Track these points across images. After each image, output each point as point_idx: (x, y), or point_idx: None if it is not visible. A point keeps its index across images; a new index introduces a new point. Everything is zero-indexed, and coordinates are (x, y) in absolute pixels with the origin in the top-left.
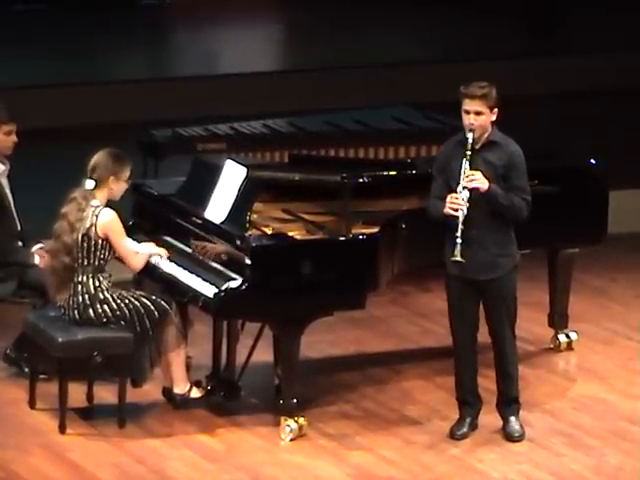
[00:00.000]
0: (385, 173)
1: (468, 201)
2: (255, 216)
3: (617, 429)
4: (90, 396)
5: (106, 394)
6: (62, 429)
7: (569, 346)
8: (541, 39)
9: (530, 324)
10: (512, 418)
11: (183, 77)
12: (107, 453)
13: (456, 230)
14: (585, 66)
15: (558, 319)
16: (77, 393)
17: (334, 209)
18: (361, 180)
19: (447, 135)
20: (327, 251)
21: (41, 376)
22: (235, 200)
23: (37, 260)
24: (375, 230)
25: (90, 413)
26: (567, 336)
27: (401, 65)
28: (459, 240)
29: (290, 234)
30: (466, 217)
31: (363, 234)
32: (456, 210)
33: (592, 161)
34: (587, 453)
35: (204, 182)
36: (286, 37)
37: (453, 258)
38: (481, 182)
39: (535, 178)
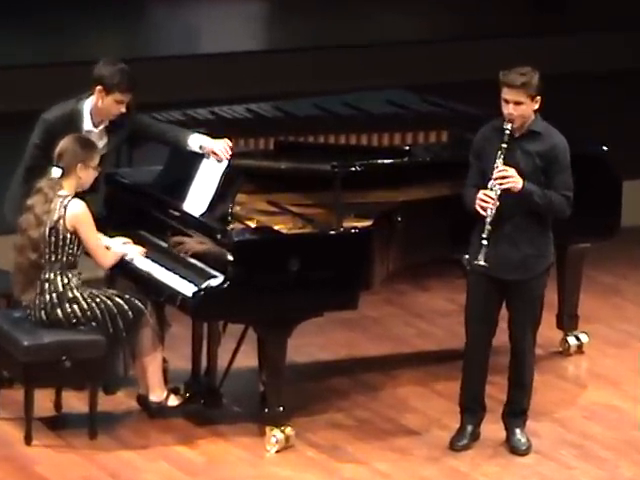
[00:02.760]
0: (379, 161)
1: (500, 197)
2: (238, 208)
3: (631, 439)
4: (58, 404)
5: (76, 402)
6: (28, 440)
7: (579, 349)
8: (549, 15)
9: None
10: (517, 430)
11: (160, 57)
12: (77, 466)
13: (482, 230)
14: (599, 45)
15: (567, 320)
16: (44, 401)
17: (324, 201)
18: (353, 169)
19: (446, 120)
20: (316, 246)
21: (5, 382)
22: (216, 191)
23: None
24: (368, 223)
25: (58, 423)
26: (577, 338)
27: (397, 44)
28: (485, 242)
29: (276, 228)
30: (498, 213)
31: (355, 228)
32: (485, 209)
33: (604, 148)
34: (599, 465)
35: (182, 171)
36: (273, 14)
37: (476, 262)
38: (513, 182)
39: None
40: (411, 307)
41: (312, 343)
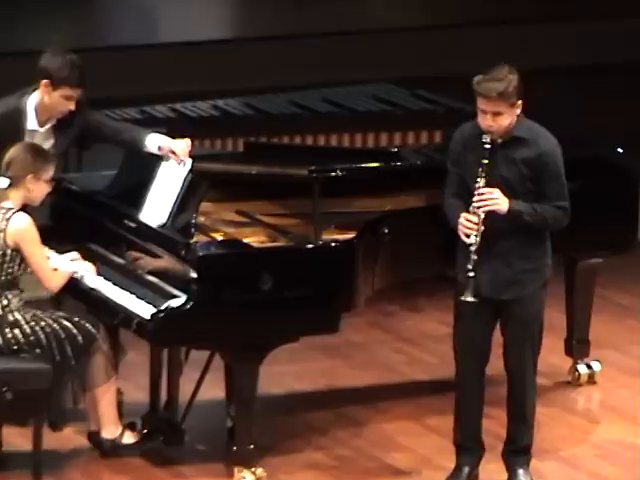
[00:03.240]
0: (364, 165)
1: (485, 219)
2: (202, 219)
3: None
4: None
5: (18, 439)
6: None
7: (591, 379)
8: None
9: (543, 352)
10: (520, 471)
11: (113, 47)
12: None
13: (468, 259)
14: (611, 34)
15: (577, 346)
16: None
17: (300, 210)
18: (334, 174)
19: (440, 118)
20: (292, 262)
21: None
22: (177, 199)
23: None
24: (351, 236)
25: None
26: (588, 366)
27: (385, 32)
28: (471, 274)
29: (246, 241)
30: (485, 233)
31: (336, 241)
32: (468, 236)
33: (619, 150)
34: None
35: (139, 176)
36: None
37: (463, 298)
38: (497, 204)
39: None
40: (400, 331)
41: (287, 372)
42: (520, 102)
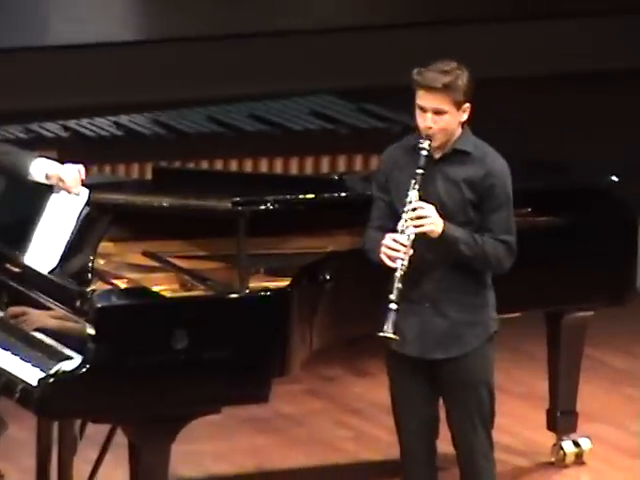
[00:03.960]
0: (300, 197)
1: (415, 243)
2: (102, 262)
3: None
4: None
5: None
6: None
7: (579, 459)
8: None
9: (520, 426)
10: None
11: None
12: None
13: (391, 289)
14: (603, 36)
15: (562, 418)
16: None
17: (222, 251)
18: (263, 207)
19: (394, 138)
20: (211, 315)
21: None
22: (71, 238)
23: None
24: (284, 283)
25: None
26: (576, 444)
27: (326, 33)
28: (393, 306)
29: (155, 289)
30: (413, 265)
31: (266, 290)
32: (393, 260)
33: (614, 178)
34: None
35: (23, 210)
36: None
37: (382, 333)
38: (431, 223)
39: (526, 204)
40: (344, 400)
41: (206, 451)
42: (468, 106)
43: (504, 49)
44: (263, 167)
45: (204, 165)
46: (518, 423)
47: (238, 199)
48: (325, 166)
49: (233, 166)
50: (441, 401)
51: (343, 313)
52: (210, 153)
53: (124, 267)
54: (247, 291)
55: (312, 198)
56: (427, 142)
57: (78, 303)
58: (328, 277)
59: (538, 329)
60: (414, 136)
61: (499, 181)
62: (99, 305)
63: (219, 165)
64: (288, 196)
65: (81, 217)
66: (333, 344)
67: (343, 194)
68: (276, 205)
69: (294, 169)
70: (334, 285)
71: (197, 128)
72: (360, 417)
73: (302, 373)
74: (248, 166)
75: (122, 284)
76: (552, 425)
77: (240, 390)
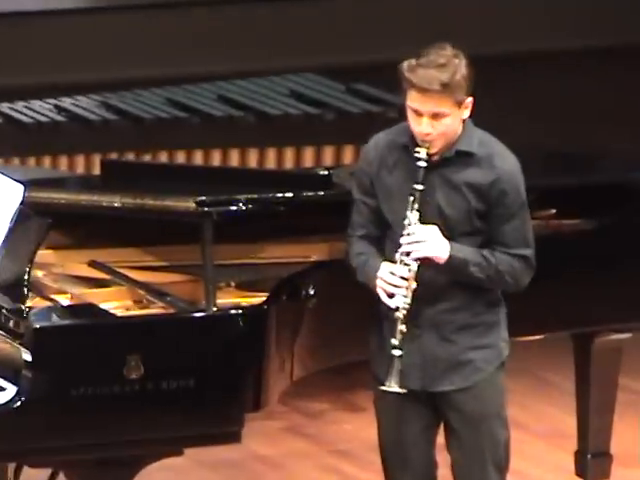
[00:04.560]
0: (279, 195)
1: (418, 276)
2: (41, 274)
3: None
4: None
5: None
6: None
7: None
8: None
9: (541, 470)
10: None
11: None
12: None
13: (393, 333)
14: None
15: (593, 462)
16: None
17: (185, 261)
18: (234, 208)
19: (390, 124)
20: (171, 338)
21: None
22: (3, 245)
23: None
24: (260, 299)
25: None
26: None
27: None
28: (397, 352)
29: (104, 307)
30: (413, 305)
31: (238, 307)
32: (392, 296)
33: None
34: None
35: None
36: None
37: (386, 387)
38: (434, 249)
39: (549, 205)
40: (331, 440)
41: None
42: (470, 100)
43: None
44: (234, 160)
45: (163, 157)
46: (539, 467)
47: (204, 198)
48: (308, 158)
49: (198, 158)
50: (440, 440)
51: (330, 335)
52: (171, 143)
53: (67, 280)
54: (215, 309)
55: (293, 197)
56: (424, 150)
57: (11, 323)
58: (312, 292)
59: (564, 354)
60: (405, 128)
61: (511, 186)
62: (36, 325)
63: (181, 158)
64: (264, 195)
65: (14, 220)
66: (318, 372)
67: (330, 192)
68: (249, 205)
69: (271, 162)
70: (319, 302)
71: (155, 113)
72: (350, 460)
73: (281, 407)
74: (216, 158)
75: (64, 300)
76: (581, 470)
77: (206, 428)
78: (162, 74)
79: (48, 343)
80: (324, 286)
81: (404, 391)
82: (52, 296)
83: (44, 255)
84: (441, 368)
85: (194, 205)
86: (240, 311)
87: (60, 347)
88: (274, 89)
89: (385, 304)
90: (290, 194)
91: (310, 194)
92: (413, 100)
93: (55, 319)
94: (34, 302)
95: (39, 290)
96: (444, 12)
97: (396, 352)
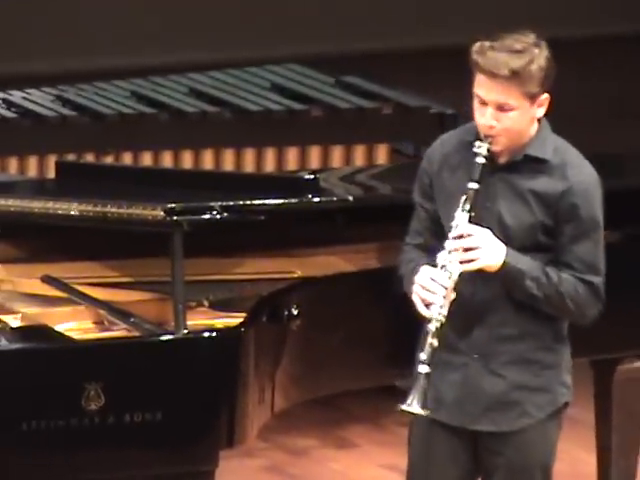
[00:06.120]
0: (258, 203)
1: (458, 286)
2: None
3: None
4: None
5: None
6: None
7: None
8: None
9: None
10: None
11: None
12: None
13: (422, 344)
14: None
15: None
16: None
17: (151, 277)
18: (208, 216)
19: (385, 123)
20: (136, 365)
21: None
22: None
23: None
24: (236, 321)
25: None
26: None
27: None
28: (424, 369)
29: (59, 329)
30: (456, 306)
31: (211, 330)
32: (428, 305)
33: None
34: None
35: None
36: None
37: (405, 407)
38: (490, 257)
39: None
40: (319, 479)
41: None
42: (546, 97)
43: None
44: (208, 161)
45: (127, 159)
46: None
47: (173, 205)
48: (292, 160)
49: (167, 160)
50: None
51: (317, 362)
52: (136, 142)
53: (17, 298)
54: (185, 331)
55: (275, 205)
56: (485, 145)
57: None
58: (296, 312)
59: (582, 384)
60: (474, 126)
61: (583, 200)
62: None
63: (148, 159)
64: (242, 202)
65: None
66: (304, 404)
67: (317, 199)
68: (225, 214)
69: (250, 165)
70: (304, 323)
71: (118, 108)
72: None
73: (261, 444)
74: (187, 160)
75: (14, 321)
76: None
77: (175, 467)
78: (126, 64)
79: None
80: (310, 306)
81: (427, 413)
82: (1, 317)
83: None
84: (482, 405)
85: (162, 213)
86: (214, 334)
87: (9, 375)
88: (253, 82)
89: (421, 312)
90: (271, 201)
91: (294, 201)
92: (479, 85)
93: (3, 343)
94: None
95: None
96: None
97: (423, 368)
